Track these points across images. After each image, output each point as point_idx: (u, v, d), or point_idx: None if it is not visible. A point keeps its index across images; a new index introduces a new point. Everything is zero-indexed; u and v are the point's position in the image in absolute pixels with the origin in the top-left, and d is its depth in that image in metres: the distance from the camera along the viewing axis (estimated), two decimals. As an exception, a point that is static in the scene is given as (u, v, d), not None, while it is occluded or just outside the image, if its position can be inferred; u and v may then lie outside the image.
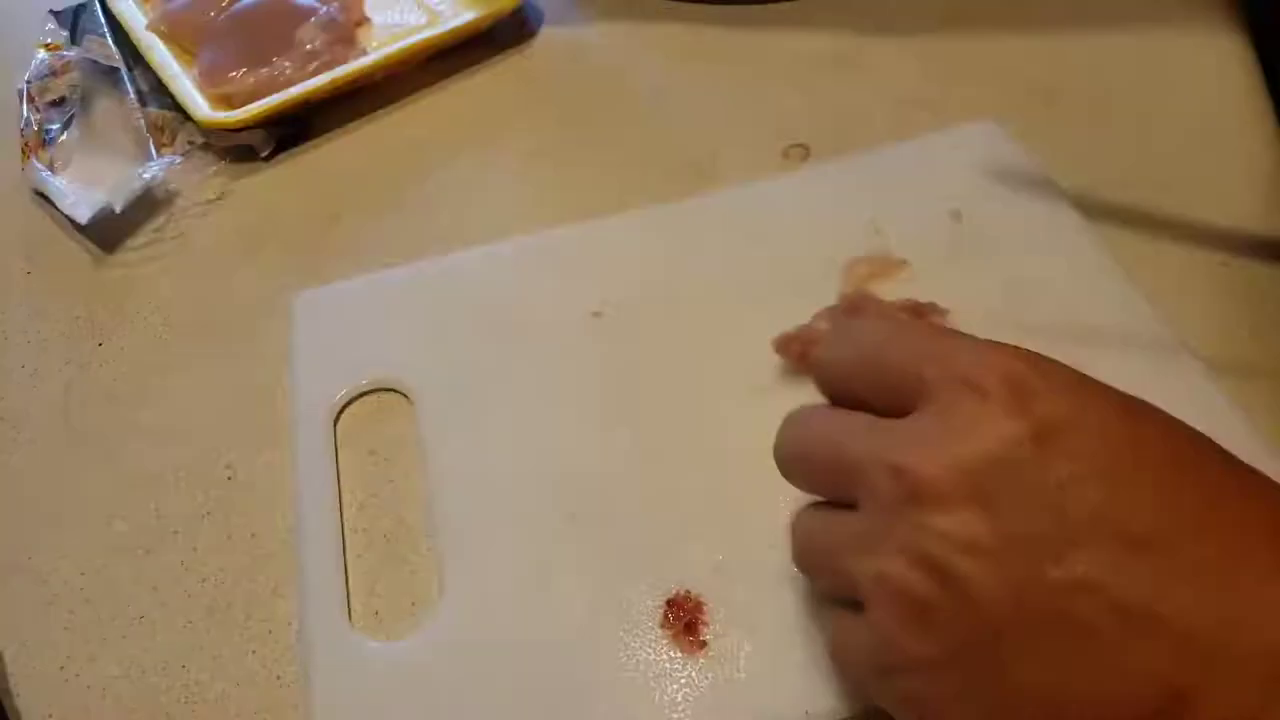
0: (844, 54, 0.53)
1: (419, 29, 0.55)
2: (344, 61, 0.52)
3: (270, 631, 0.34)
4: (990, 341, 0.27)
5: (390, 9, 0.57)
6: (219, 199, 0.49)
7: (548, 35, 0.56)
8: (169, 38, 0.54)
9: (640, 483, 0.36)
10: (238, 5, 0.55)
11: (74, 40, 0.56)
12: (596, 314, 0.40)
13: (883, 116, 0.49)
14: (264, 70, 0.52)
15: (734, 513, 0.35)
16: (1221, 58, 0.49)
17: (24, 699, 0.33)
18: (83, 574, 0.36)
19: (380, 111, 0.53)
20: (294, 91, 0.50)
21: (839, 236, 0.42)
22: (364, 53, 0.53)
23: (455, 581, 0.34)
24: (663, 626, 0.32)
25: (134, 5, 0.57)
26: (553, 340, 0.40)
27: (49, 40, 0.56)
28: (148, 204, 0.49)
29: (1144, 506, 0.24)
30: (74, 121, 0.52)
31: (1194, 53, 0.50)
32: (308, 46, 0.53)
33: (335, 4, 0.55)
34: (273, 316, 0.43)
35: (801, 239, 0.42)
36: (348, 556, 0.35)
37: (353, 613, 0.34)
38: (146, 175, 0.48)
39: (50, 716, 0.33)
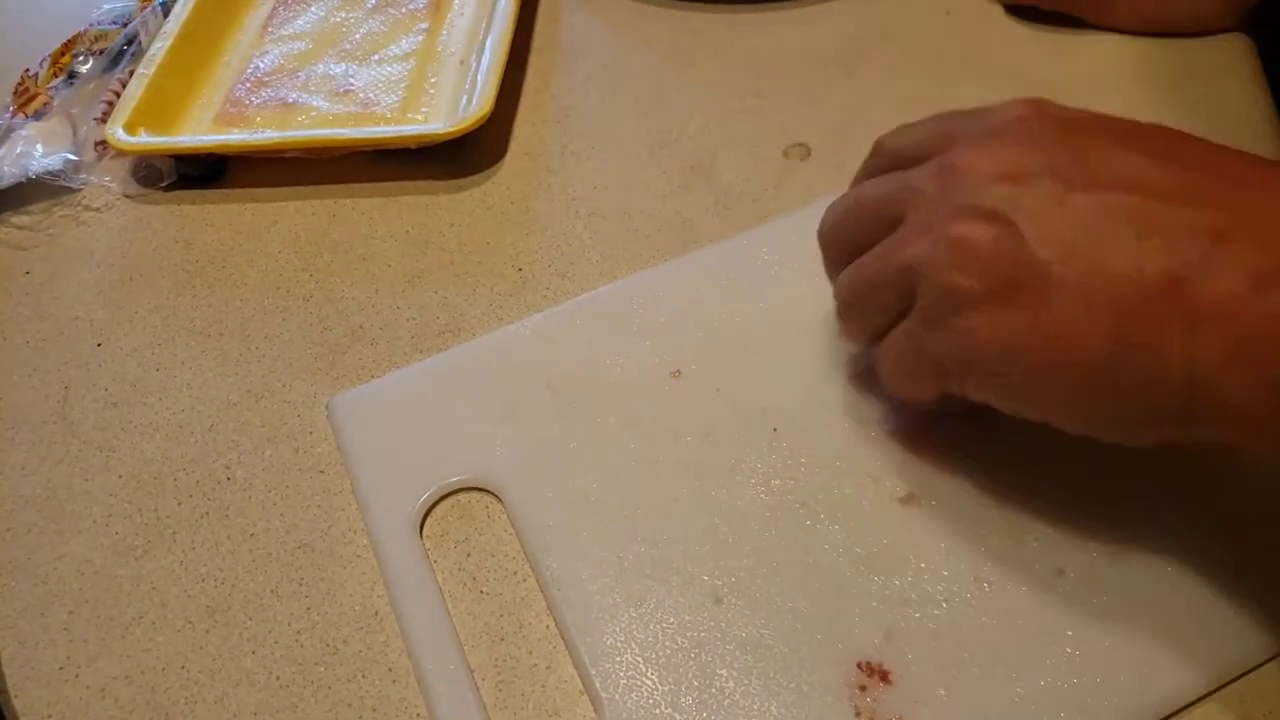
0: (844, 54, 0.53)
1: (349, 119, 0.50)
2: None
3: (270, 632, 0.34)
4: None
5: (375, 84, 0.52)
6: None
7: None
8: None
9: (780, 549, 0.33)
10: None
11: None
12: (675, 374, 0.38)
13: (883, 116, 0.49)
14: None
15: (893, 561, 0.32)
16: (1226, 56, 0.49)
17: (23, 699, 0.33)
18: (82, 574, 0.36)
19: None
20: (198, 141, 0.48)
21: None
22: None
23: (609, 694, 0.30)
24: (859, 715, 0.29)
25: None
26: (636, 405, 0.37)
27: None
28: (53, 188, 0.48)
29: (1144, 135, 0.29)
30: (79, 80, 0.51)
31: (1197, 52, 0.50)
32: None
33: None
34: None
35: None
36: (481, 690, 0.32)
37: None
38: (35, 165, 0.47)
39: (50, 717, 0.33)
